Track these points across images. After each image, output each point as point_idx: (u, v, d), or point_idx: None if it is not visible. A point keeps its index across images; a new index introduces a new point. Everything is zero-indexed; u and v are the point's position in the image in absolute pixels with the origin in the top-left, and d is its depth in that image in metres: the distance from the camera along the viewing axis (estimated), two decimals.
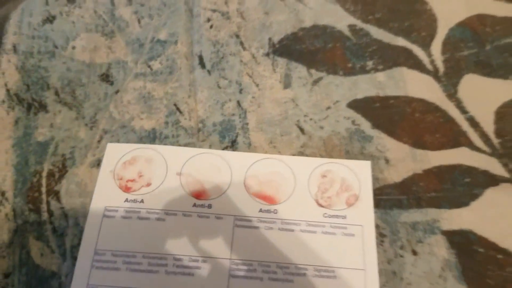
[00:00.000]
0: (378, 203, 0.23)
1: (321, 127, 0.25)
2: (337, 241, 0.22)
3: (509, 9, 0.28)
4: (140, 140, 0.23)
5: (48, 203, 0.22)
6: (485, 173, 0.24)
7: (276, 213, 0.22)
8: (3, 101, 0.23)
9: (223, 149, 0.24)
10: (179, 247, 0.21)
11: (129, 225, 0.21)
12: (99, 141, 0.23)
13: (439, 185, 0.24)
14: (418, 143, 0.25)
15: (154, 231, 0.21)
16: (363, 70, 0.26)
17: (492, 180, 0.24)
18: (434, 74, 0.26)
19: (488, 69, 0.26)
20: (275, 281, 0.21)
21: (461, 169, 0.24)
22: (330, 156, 0.24)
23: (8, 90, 0.23)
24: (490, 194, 0.24)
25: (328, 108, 0.26)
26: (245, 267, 0.21)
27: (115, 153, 0.23)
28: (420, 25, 0.27)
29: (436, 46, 0.27)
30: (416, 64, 0.26)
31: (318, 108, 0.26)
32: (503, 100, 0.26)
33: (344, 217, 0.22)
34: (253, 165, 0.23)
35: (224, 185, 0.23)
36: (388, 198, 0.24)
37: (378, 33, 0.27)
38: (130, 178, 0.22)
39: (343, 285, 0.21)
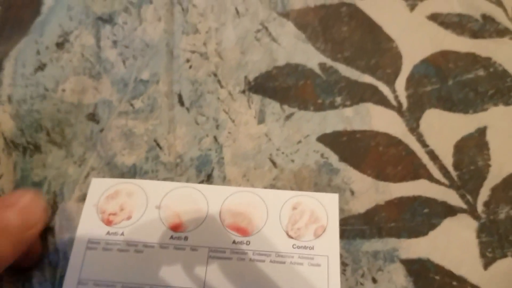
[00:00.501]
0: (343, 234, 0.25)
1: (292, 160, 0.27)
2: (305, 271, 0.23)
3: (472, 45, 0.30)
4: (122, 175, 0.26)
5: (46, 239, 0.24)
6: (443, 204, 0.26)
7: (248, 244, 0.24)
8: (3, 149, 0.25)
9: (199, 182, 0.26)
10: (155, 278, 0.23)
11: (110, 257, 0.23)
12: (86, 177, 0.25)
13: (399, 216, 0.25)
14: (381, 175, 0.26)
15: (133, 263, 0.23)
16: (332, 106, 0.28)
17: (450, 211, 0.26)
18: (398, 109, 0.28)
19: (449, 104, 0.28)
20: None
21: (421, 200, 0.26)
22: (300, 188, 0.26)
23: (5, 139, 0.26)
24: (448, 224, 0.25)
25: (299, 142, 0.28)
26: None
27: (99, 187, 0.25)
28: (386, 62, 0.29)
29: (401, 82, 0.29)
30: (381, 100, 0.28)
31: (289, 142, 0.28)
32: (462, 134, 0.27)
33: (311, 248, 0.24)
34: (228, 198, 0.25)
35: (201, 218, 0.25)
36: (352, 228, 0.25)
37: (346, 70, 0.29)
38: (112, 212, 0.24)
39: None
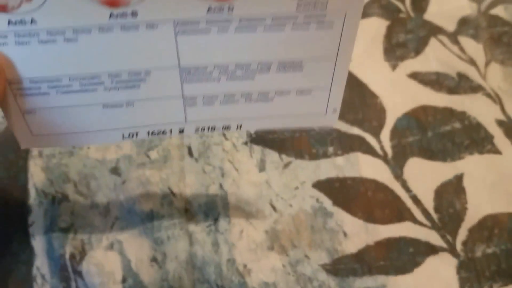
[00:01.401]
0: (337, 272, 0.28)
1: (290, 205, 0.30)
2: (310, 35, 0.18)
3: (448, 100, 0.34)
4: (142, 221, 0.29)
5: (76, 281, 0.27)
6: (426, 243, 0.29)
7: (232, 10, 0.17)
8: (35, 199, 0.28)
9: (207, 226, 0.29)
10: (110, 65, 0.18)
11: (32, 52, 0.17)
12: (111, 227, 0.28)
13: (387, 255, 0.28)
14: (370, 218, 0.29)
15: (68, 55, 0.17)
16: (325, 155, 0.32)
17: (432, 250, 0.28)
18: (384, 158, 0.31)
19: (429, 153, 0.31)
20: (233, 81, 0.19)
21: (406, 240, 0.29)
22: (298, 231, 0.29)
23: (36, 189, 0.29)
24: (431, 262, 0.28)
25: (296, 188, 0.31)
26: (198, 72, 0.18)
27: None
28: (372, 116, 0.33)
29: (385, 134, 0.32)
30: (368, 150, 0.32)
31: (288, 188, 0.31)
32: (442, 180, 0.31)
33: (324, 3, 0.18)
34: None
35: None
36: (345, 267, 0.28)
37: (337, 123, 0.33)
38: None
39: (309, 76, 0.19)
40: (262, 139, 0.32)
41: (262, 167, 0.31)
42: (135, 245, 0.28)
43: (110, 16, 0.17)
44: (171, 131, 0.22)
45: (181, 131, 0.22)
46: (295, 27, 0.18)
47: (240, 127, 0.22)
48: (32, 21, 0.17)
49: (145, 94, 0.19)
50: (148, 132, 0.21)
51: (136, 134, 0.21)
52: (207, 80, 0.19)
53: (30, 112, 0.19)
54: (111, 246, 0.28)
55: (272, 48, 0.18)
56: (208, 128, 0.22)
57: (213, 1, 0.17)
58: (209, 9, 0.17)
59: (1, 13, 0.16)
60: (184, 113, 0.21)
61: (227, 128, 0.22)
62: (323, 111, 0.22)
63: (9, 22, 0.17)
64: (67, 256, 0.28)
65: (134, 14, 0.17)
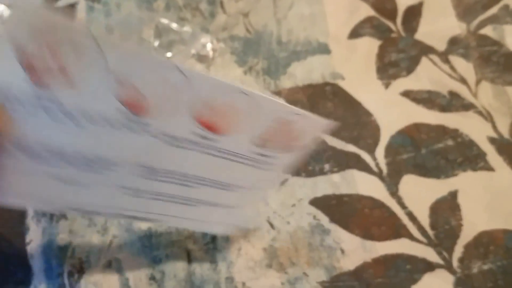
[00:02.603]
0: None
1: (288, 222, 0.30)
2: (250, 171, 0.21)
3: (441, 118, 0.34)
4: (140, 239, 0.29)
5: None
6: (423, 260, 0.29)
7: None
8: (32, 217, 0.28)
9: (205, 244, 0.29)
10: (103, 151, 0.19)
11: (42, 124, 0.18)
12: (109, 245, 0.28)
13: (384, 272, 0.28)
14: (367, 235, 0.30)
15: (72, 136, 0.19)
16: (322, 172, 0.32)
17: (429, 267, 0.29)
18: (379, 175, 0.32)
19: (424, 170, 0.32)
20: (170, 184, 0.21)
21: (403, 257, 0.29)
22: (296, 248, 0.29)
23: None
24: (428, 279, 0.28)
25: (293, 205, 0.31)
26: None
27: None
28: (366, 134, 0.33)
29: (380, 151, 0.33)
30: (364, 167, 0.32)
31: (285, 205, 0.31)
32: (436, 197, 0.31)
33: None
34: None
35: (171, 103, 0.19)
36: (343, 284, 0.28)
37: (332, 141, 0.33)
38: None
39: (235, 198, 0.22)
40: None
41: None
42: (133, 264, 0.28)
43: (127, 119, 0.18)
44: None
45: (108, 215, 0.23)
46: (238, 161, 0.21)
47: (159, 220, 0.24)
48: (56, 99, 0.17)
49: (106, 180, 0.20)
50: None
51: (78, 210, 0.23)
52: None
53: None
54: (109, 265, 0.28)
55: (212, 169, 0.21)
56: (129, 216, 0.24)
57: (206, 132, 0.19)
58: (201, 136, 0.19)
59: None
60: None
61: (147, 220, 0.24)
62: (240, 222, 0.25)
63: (38, 97, 0.17)
64: (65, 274, 0.27)
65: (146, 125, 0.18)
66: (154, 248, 0.28)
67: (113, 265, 0.28)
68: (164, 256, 0.28)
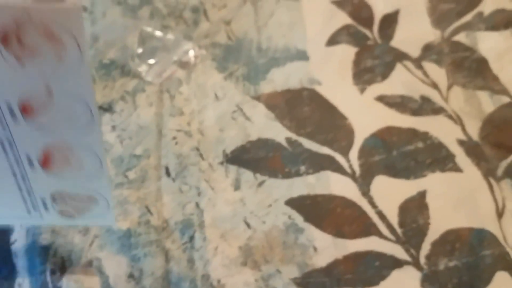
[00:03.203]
0: (307, 285, 0.29)
1: (264, 222, 0.32)
2: None
3: (412, 122, 0.36)
4: (119, 239, 0.30)
5: None
6: (392, 257, 0.30)
7: None
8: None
9: (183, 244, 0.30)
10: None
11: None
12: (90, 245, 0.29)
13: (354, 268, 0.30)
14: (339, 233, 0.31)
15: None
16: (297, 174, 0.33)
17: (397, 263, 0.30)
18: (352, 176, 0.33)
19: (394, 171, 0.33)
20: None
21: (372, 254, 0.30)
22: (271, 246, 0.31)
23: None
24: (396, 275, 0.30)
25: (270, 205, 0.32)
26: None
27: None
28: (341, 136, 0.35)
29: (354, 153, 0.34)
30: (338, 168, 0.33)
31: (261, 206, 0.32)
32: (406, 196, 0.32)
33: None
34: None
35: None
36: (315, 281, 0.29)
37: (308, 143, 0.34)
38: None
39: None
40: (238, 159, 0.34)
41: (237, 186, 0.33)
42: (113, 262, 0.29)
43: None
44: None
45: None
46: None
47: None
48: None
49: None
50: None
51: None
52: None
53: None
54: (90, 264, 0.29)
55: None
56: None
57: None
58: None
59: None
60: None
61: None
62: None
63: None
64: (48, 272, 0.29)
65: None
66: (133, 247, 0.30)
67: (94, 263, 0.29)
68: (143, 255, 0.29)
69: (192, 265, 0.30)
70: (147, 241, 0.30)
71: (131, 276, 0.29)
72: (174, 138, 0.34)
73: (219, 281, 0.29)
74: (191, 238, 0.31)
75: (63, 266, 0.29)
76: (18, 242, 0.30)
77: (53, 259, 0.29)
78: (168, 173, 0.33)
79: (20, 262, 0.29)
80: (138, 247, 0.30)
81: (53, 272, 0.29)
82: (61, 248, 0.29)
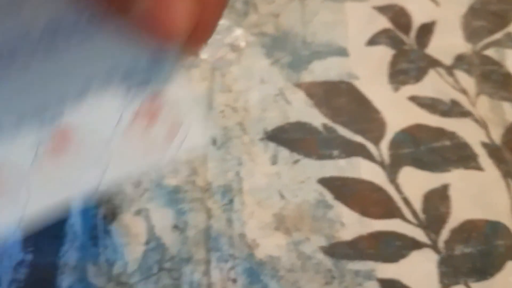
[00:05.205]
0: (333, 254, 0.32)
1: (296, 195, 0.34)
2: None
3: (441, 122, 0.38)
4: (169, 193, 0.33)
5: (104, 239, 0.31)
6: (412, 239, 0.33)
7: None
8: None
9: (223, 205, 0.33)
10: None
11: None
12: (140, 196, 0.32)
13: (377, 245, 0.32)
14: (365, 213, 0.34)
15: None
16: (330, 157, 0.36)
17: (417, 245, 0.33)
18: (381, 164, 0.36)
19: (421, 164, 0.36)
20: None
21: (394, 235, 0.33)
22: (301, 217, 0.33)
23: None
24: (415, 255, 0.32)
25: (302, 182, 0.35)
26: None
27: None
28: (373, 127, 0.38)
29: (384, 144, 0.37)
30: (368, 156, 0.36)
31: (295, 181, 0.35)
32: (430, 187, 0.35)
33: None
34: None
35: None
36: (340, 251, 0.32)
37: (342, 131, 0.37)
38: None
39: None
40: (276, 137, 0.37)
41: (274, 161, 0.36)
42: (160, 214, 0.32)
43: None
44: None
45: None
46: None
47: None
48: None
49: None
50: None
51: None
52: None
53: None
54: (138, 213, 0.32)
55: None
56: None
57: None
58: None
59: None
60: None
61: None
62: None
63: None
64: (100, 216, 0.32)
65: None
66: (179, 201, 0.33)
67: (142, 213, 0.32)
68: (188, 209, 0.32)
69: (230, 224, 0.32)
70: (193, 198, 0.33)
71: (176, 227, 0.32)
72: (222, 111, 0.37)
73: (254, 240, 0.32)
74: (231, 201, 0.33)
75: (114, 212, 0.32)
76: None
77: (106, 205, 0.32)
78: (214, 142, 0.36)
79: (74, 205, 0.32)
80: (184, 202, 0.33)
81: (104, 217, 0.32)
82: (114, 196, 0.32)
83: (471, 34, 0.44)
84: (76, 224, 0.32)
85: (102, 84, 0.17)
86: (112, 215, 0.32)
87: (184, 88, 0.19)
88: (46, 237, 0.31)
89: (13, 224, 0.17)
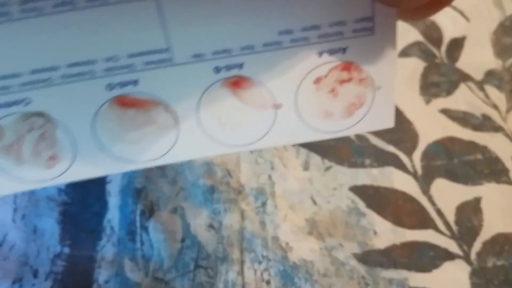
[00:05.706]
0: (366, 261, 0.32)
1: (329, 202, 0.35)
2: None
3: (473, 135, 0.39)
4: (203, 194, 0.33)
5: (141, 235, 0.31)
6: (445, 250, 0.33)
7: None
8: None
9: (256, 208, 0.33)
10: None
11: None
12: (177, 195, 0.33)
13: (410, 254, 0.32)
14: (398, 223, 0.34)
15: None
16: (362, 165, 0.36)
17: (450, 256, 0.33)
18: (414, 175, 0.36)
19: (454, 176, 0.36)
20: None
21: (428, 245, 0.33)
22: (334, 223, 0.34)
23: None
24: (447, 266, 0.32)
25: (335, 189, 0.35)
26: None
27: None
28: (406, 138, 0.38)
29: (417, 155, 0.37)
30: (401, 166, 0.36)
31: (327, 187, 0.35)
32: (463, 199, 0.35)
33: None
34: None
35: None
36: (373, 259, 0.32)
37: (375, 140, 0.38)
38: None
39: None
40: (309, 143, 0.37)
41: (306, 167, 0.36)
42: (195, 212, 0.32)
43: None
44: None
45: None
46: None
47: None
48: None
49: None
50: None
51: None
52: None
53: None
54: (175, 211, 0.32)
55: None
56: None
57: None
58: None
59: None
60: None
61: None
62: None
63: None
64: (138, 212, 0.32)
65: None
66: (214, 202, 0.33)
67: (178, 211, 0.32)
68: (223, 209, 0.33)
69: (264, 226, 0.33)
70: (227, 199, 0.33)
71: (211, 226, 0.32)
72: None
73: (287, 243, 0.32)
74: (264, 204, 0.34)
75: (151, 209, 0.32)
76: (114, 182, 0.33)
77: (143, 201, 0.32)
78: None
79: (113, 200, 0.32)
80: (219, 202, 0.33)
81: (142, 213, 0.32)
82: (151, 193, 0.33)
83: (501, 51, 0.45)
84: (113, 219, 0.32)
85: (295, 42, 0.15)
86: (149, 211, 0.32)
87: (387, 65, 0.17)
88: (83, 231, 0.31)
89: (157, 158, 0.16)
